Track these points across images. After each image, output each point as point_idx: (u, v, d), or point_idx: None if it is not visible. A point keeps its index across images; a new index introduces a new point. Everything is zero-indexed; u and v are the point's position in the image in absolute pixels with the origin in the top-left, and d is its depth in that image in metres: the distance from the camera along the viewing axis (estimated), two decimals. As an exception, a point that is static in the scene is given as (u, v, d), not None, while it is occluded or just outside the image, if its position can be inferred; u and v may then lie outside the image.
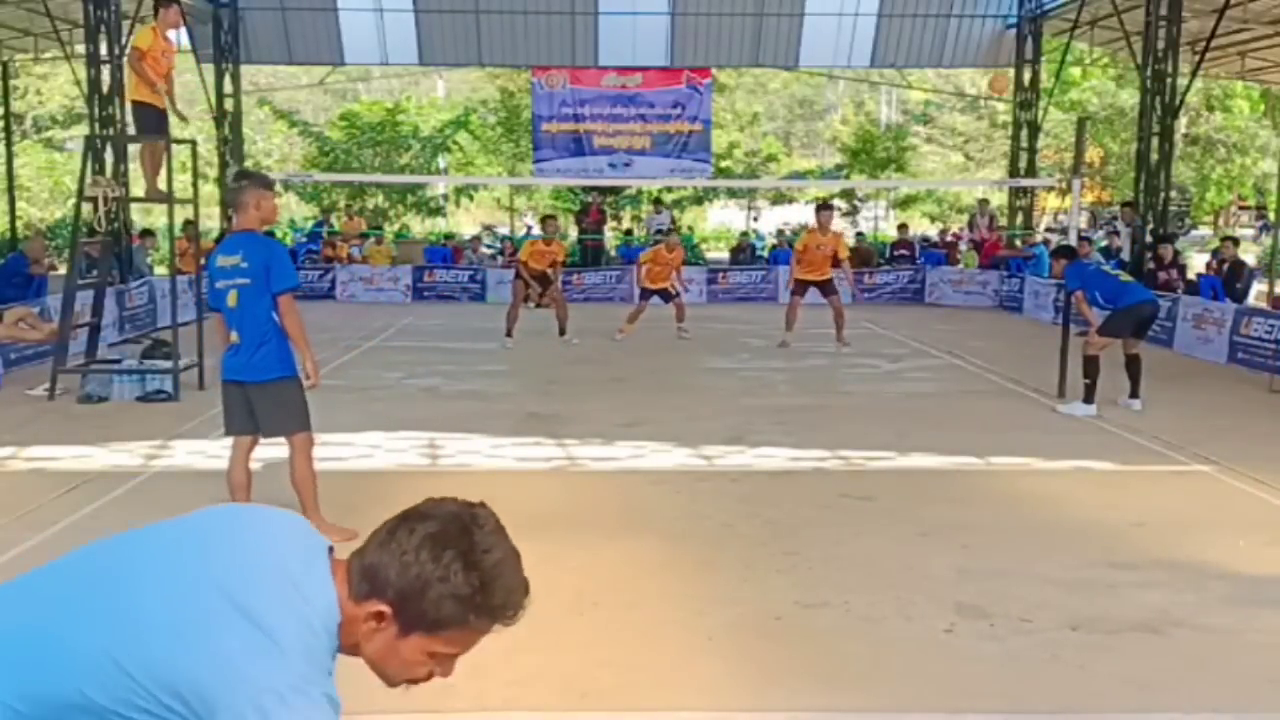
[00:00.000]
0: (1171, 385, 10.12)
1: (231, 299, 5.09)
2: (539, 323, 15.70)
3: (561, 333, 13.04)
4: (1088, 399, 8.66)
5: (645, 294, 13.21)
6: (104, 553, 1.68)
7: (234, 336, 5.13)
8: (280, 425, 5.26)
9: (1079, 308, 8.99)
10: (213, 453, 7.16)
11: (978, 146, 31.01)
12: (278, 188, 26.24)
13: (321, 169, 23.25)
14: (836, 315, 12.37)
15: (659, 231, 20.33)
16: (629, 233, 23.73)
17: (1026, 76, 19.30)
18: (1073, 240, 10.12)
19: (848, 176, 25.84)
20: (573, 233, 23.52)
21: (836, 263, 12.47)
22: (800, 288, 12.57)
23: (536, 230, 27.55)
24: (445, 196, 25.92)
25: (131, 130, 10.40)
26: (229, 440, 5.49)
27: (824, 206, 13.16)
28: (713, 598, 4.61)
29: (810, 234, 12.79)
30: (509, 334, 12.65)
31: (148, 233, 17.24)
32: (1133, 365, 8.87)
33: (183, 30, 18.48)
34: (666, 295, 13.09)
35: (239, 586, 1.55)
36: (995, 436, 7.81)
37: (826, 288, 12.48)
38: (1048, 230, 25.97)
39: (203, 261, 13.02)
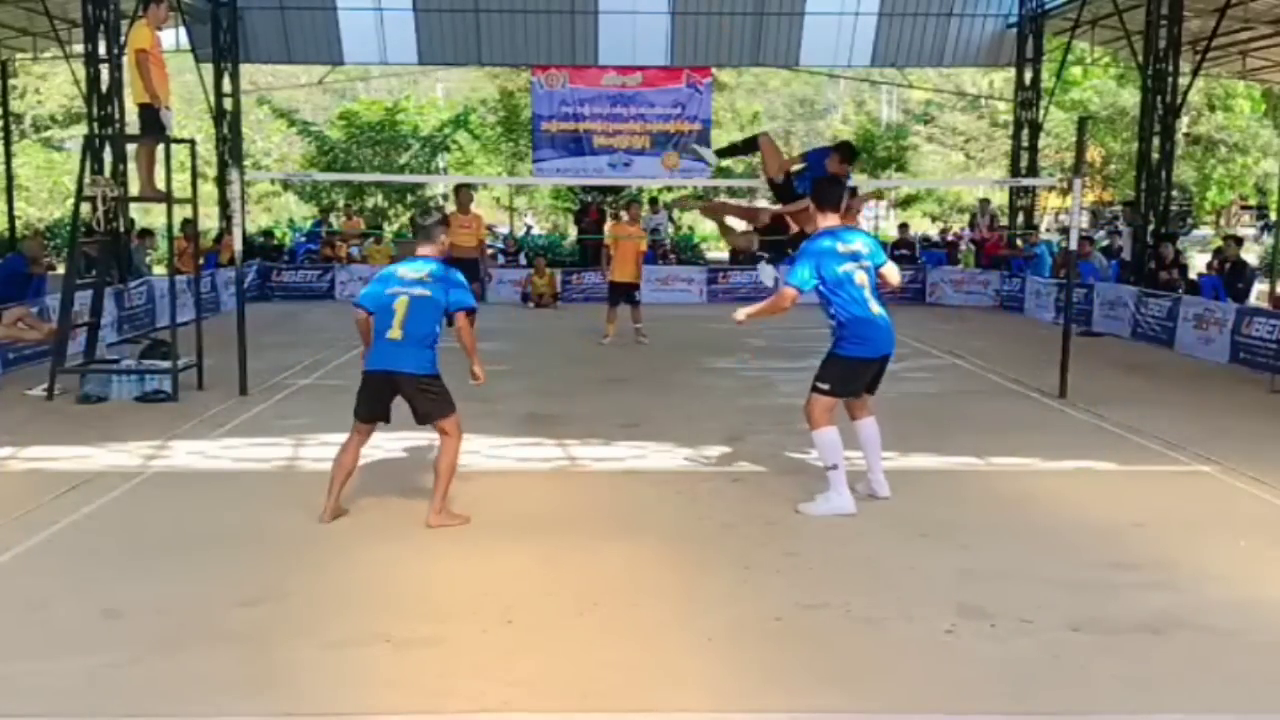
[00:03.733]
0: (1172, 385, 10.12)
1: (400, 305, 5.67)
2: (540, 322, 15.68)
3: None
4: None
5: (614, 293, 13.02)
6: None
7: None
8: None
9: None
10: (212, 453, 7.16)
11: (979, 146, 30.99)
12: (276, 186, 25.87)
13: (320, 168, 23.20)
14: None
15: (655, 230, 20.30)
16: (627, 232, 23.65)
17: (1028, 76, 19.28)
18: (1074, 241, 9.95)
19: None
20: (572, 233, 23.45)
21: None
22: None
23: (537, 230, 27.52)
24: (445, 196, 25.89)
25: (131, 130, 10.34)
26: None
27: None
28: (713, 598, 4.60)
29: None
30: None
31: (146, 232, 17.16)
32: None
33: (182, 29, 18.52)
34: (632, 295, 12.95)
35: None
36: (996, 437, 7.79)
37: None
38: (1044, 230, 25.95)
39: (201, 261, 13.06)
